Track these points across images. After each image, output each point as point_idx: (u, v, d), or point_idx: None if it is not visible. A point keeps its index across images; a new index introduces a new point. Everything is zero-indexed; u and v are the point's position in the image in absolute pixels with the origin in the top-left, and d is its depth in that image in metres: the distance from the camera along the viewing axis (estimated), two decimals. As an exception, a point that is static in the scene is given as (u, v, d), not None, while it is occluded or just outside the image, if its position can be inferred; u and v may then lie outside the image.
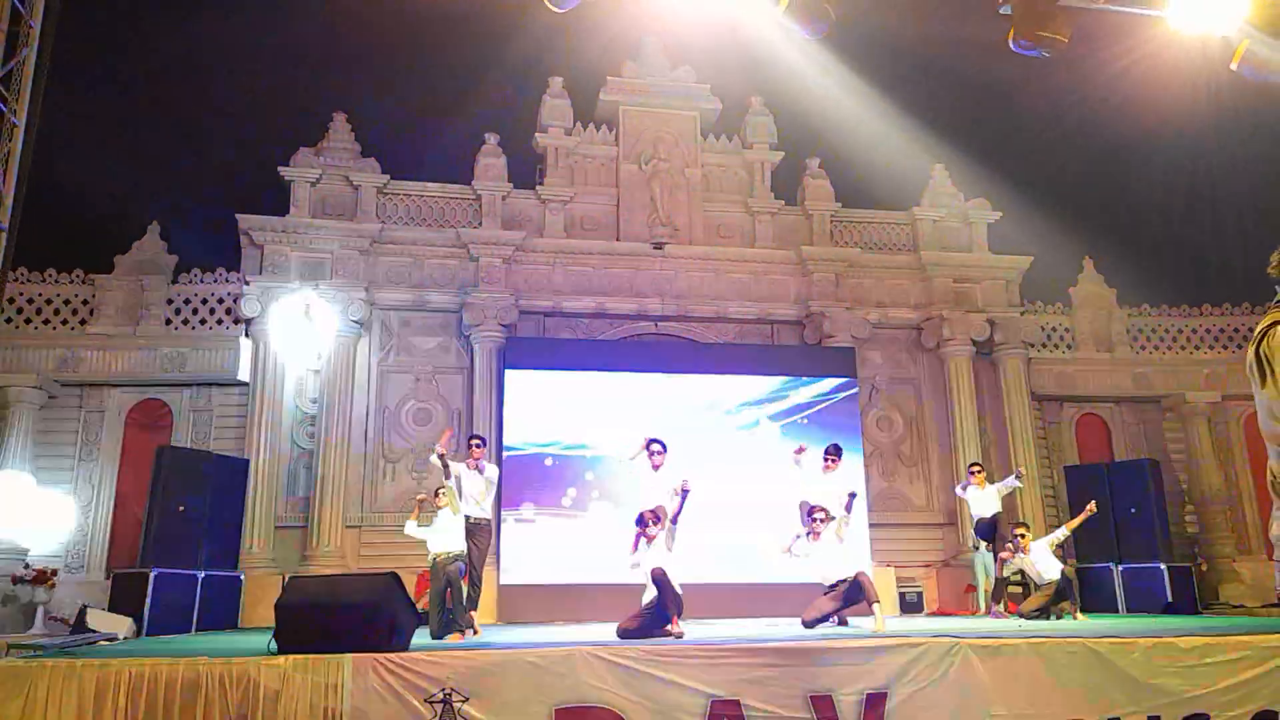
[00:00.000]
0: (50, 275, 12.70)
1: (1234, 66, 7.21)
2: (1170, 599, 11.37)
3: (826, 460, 9.14)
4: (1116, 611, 11.51)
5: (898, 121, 14.40)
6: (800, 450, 9.15)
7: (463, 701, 5.42)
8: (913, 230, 14.68)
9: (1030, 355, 14.45)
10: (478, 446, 8.66)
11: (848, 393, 13.29)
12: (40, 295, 12.60)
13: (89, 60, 12.84)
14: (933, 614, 12.26)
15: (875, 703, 5.84)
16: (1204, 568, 13.85)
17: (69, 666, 5.41)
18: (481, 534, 8.52)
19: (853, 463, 10.76)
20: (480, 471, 8.49)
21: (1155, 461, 12.99)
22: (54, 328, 12.51)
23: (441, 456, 8.01)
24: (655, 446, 8.39)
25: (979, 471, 11.10)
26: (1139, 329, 15.17)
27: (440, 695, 5.42)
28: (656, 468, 8.34)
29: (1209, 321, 15.29)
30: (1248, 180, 14.62)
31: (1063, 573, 9.70)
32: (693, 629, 7.95)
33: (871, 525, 12.84)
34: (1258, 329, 3.41)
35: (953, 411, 13.92)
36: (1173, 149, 14.63)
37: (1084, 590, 12.42)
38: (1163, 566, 11.72)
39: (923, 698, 5.89)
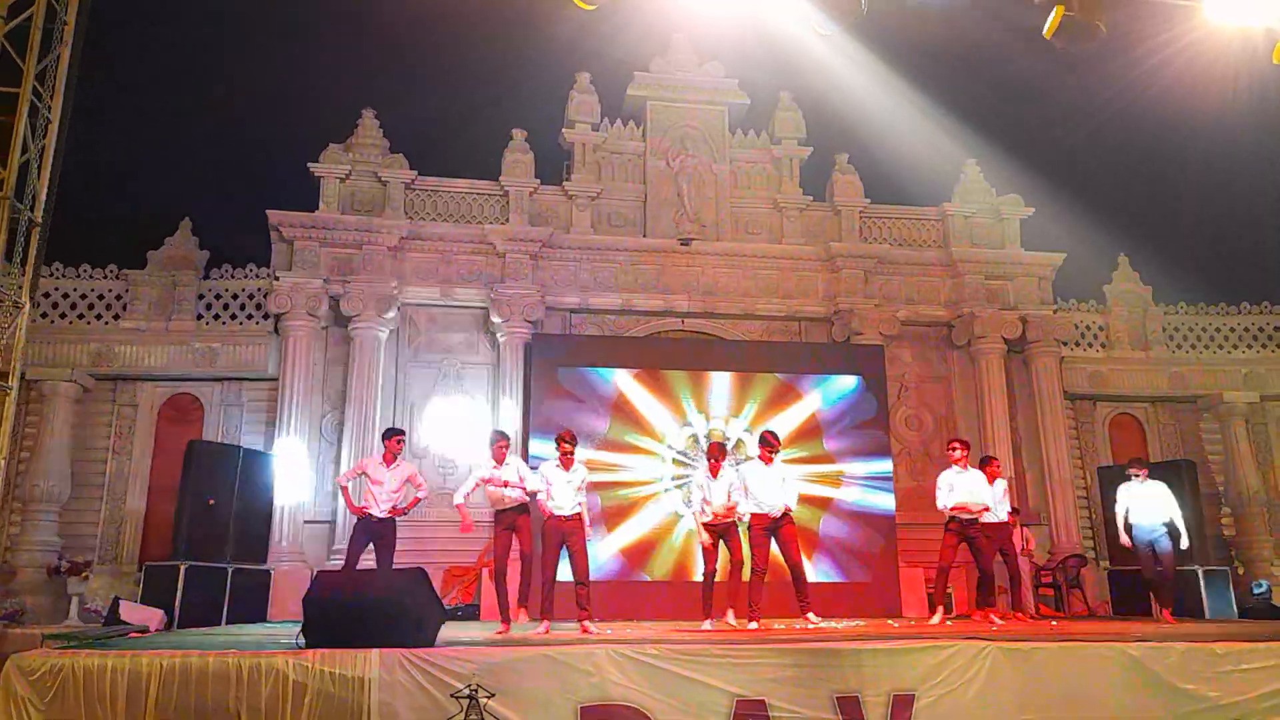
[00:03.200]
0: (85, 270, 12.90)
1: (1277, 60, 7.03)
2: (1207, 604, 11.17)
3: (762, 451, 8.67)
4: (1151, 615, 11.30)
5: (928, 116, 14.24)
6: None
7: (488, 697, 5.43)
8: (943, 226, 14.51)
9: (1063, 354, 14.22)
10: (398, 441, 8.67)
11: (871, 391, 13.13)
12: (75, 290, 12.80)
13: (122, 57, 13.01)
14: (962, 615, 12.10)
15: (903, 704, 5.78)
16: (1241, 571, 13.59)
17: (102, 657, 5.48)
18: (387, 531, 8.55)
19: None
20: (386, 466, 8.55)
21: (1192, 462, 12.75)
22: (88, 322, 12.69)
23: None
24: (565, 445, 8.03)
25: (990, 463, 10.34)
26: (1175, 327, 14.90)
27: (466, 691, 5.42)
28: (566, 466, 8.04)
29: (1247, 320, 14.98)
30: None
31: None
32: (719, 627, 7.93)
33: (900, 524, 12.72)
34: None
35: (984, 410, 13.75)
36: (1210, 144, 14.36)
37: (1116, 593, 12.25)
38: (1199, 569, 11.50)
39: (951, 700, 5.82)
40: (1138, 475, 9.83)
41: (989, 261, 14.25)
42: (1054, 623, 9.23)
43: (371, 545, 8.56)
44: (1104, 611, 12.30)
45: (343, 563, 8.93)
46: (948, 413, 14.07)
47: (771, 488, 8.40)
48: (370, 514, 8.47)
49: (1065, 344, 14.25)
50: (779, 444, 8.68)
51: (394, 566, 8.42)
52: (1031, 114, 15.71)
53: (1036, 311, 14.07)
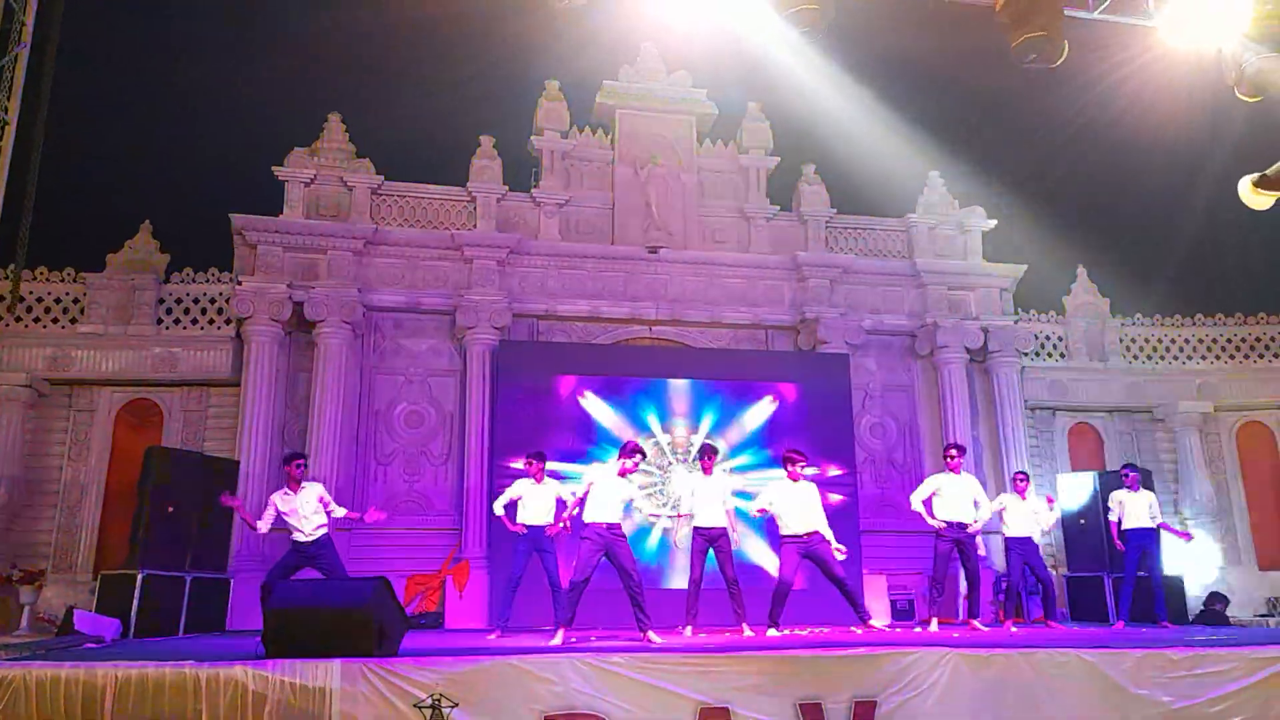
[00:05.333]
0: (41, 273, 12.65)
1: (1237, 93, 7.19)
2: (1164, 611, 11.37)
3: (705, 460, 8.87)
4: (1107, 621, 11.51)
5: (894, 128, 14.42)
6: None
7: (451, 707, 5.39)
8: (908, 237, 14.70)
9: (1023, 364, 14.48)
10: (297, 466, 8.69)
11: (836, 399, 13.26)
12: (31, 293, 12.54)
13: (83, 58, 12.78)
14: (923, 621, 12.23)
15: (864, 711, 5.83)
16: (1194, 578, 13.85)
17: (55, 669, 5.36)
18: (320, 552, 8.63)
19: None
20: (294, 493, 8.56)
21: (1147, 471, 12.96)
22: (44, 326, 12.45)
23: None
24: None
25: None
26: (1132, 338, 15.22)
27: (429, 701, 5.39)
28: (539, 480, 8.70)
29: (1202, 332, 15.34)
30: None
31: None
32: (681, 636, 7.95)
33: (863, 532, 12.83)
34: None
35: (946, 419, 13.93)
36: (1167, 159, 14.69)
37: (1074, 599, 12.44)
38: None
39: (912, 706, 5.89)
40: (1129, 478, 10.21)
41: (952, 272, 14.46)
42: (1013, 629, 9.35)
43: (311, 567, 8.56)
44: (1062, 618, 12.47)
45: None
46: (911, 421, 14.24)
47: (798, 507, 8.45)
48: (298, 540, 8.47)
49: (1025, 354, 14.50)
50: (803, 459, 8.74)
51: (357, 576, 8.35)
52: (995, 128, 15.98)
53: (998, 322, 14.30)
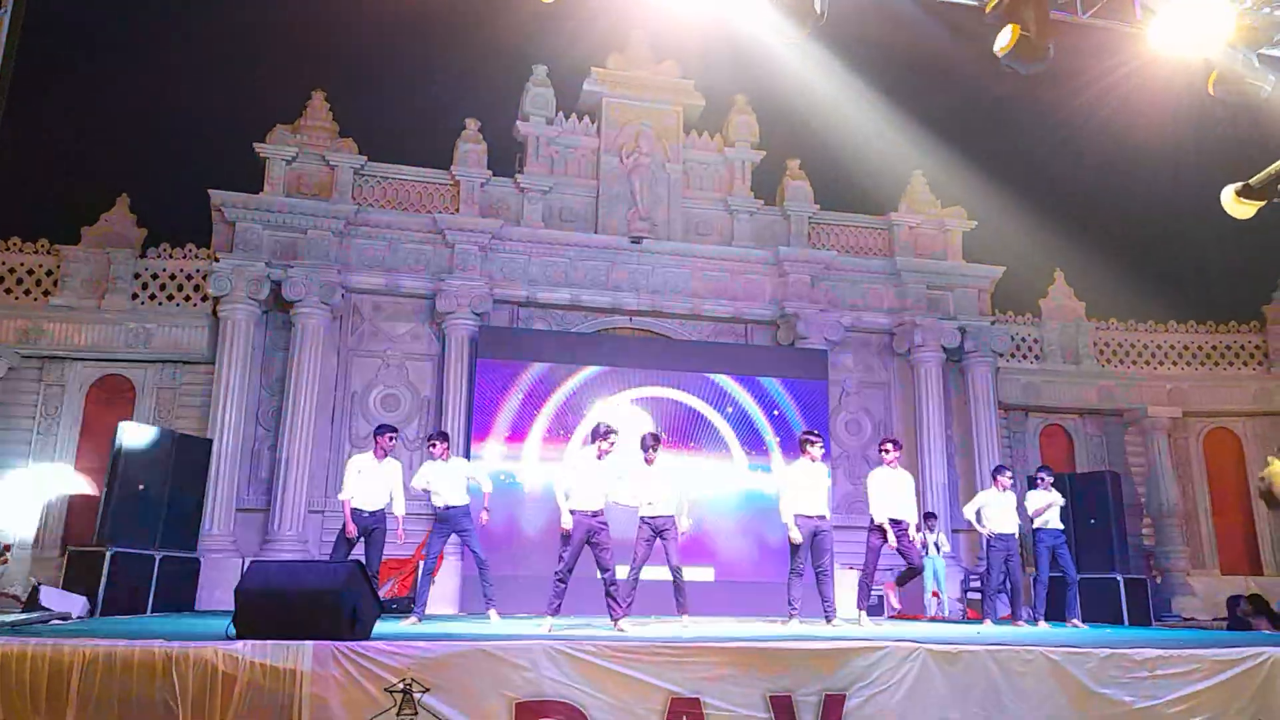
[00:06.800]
0: (15, 244, 12.45)
1: (1211, 91, 7.29)
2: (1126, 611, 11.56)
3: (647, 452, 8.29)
4: (1064, 620, 11.65)
5: (879, 126, 14.46)
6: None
7: (423, 692, 5.38)
8: (889, 235, 14.78)
9: (999, 364, 14.61)
10: (389, 438, 8.75)
11: (812, 394, 13.34)
12: (3, 264, 12.35)
13: (63, 28, 12.57)
14: (893, 618, 12.35)
15: (833, 704, 5.87)
16: (1158, 580, 14.09)
17: (21, 645, 5.30)
18: (376, 526, 8.65)
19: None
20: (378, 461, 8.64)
21: (1115, 474, 13.16)
22: (16, 298, 12.26)
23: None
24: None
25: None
26: (1105, 342, 15.40)
27: (400, 685, 5.37)
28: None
29: (1174, 338, 15.55)
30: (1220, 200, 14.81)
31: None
32: (656, 626, 7.98)
33: (836, 528, 12.87)
34: None
35: (920, 417, 14.04)
36: (1149, 166, 14.83)
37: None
38: (1119, 578, 11.89)
39: (880, 701, 5.93)
40: (1043, 483, 10.26)
41: (931, 271, 14.56)
42: (978, 630, 9.45)
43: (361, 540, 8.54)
44: (1030, 617, 12.62)
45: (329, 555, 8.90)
46: (886, 418, 14.34)
47: (820, 490, 8.59)
48: (360, 510, 8.44)
49: (1001, 355, 14.63)
50: (819, 440, 8.77)
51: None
52: (979, 128, 16.05)
53: (975, 322, 14.42)
